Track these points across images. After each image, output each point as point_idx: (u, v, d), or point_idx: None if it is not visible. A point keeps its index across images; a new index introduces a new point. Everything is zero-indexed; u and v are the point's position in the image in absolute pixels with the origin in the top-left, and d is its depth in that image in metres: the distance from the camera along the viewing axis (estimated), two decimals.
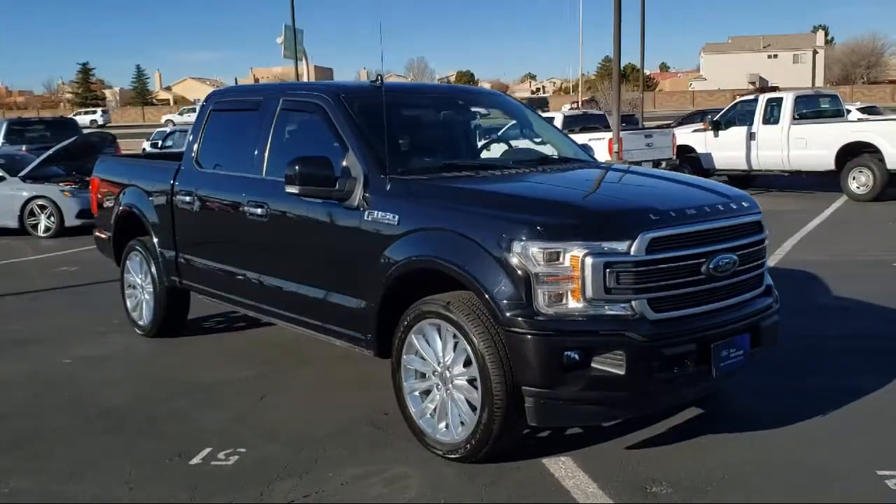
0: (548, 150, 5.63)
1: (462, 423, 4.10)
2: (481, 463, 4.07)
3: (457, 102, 5.79)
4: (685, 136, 18.19)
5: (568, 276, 3.74)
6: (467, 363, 4.03)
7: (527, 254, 3.77)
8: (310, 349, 6.35)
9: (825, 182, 16.41)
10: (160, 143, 20.42)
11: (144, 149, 21.17)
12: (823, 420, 4.62)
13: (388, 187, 4.51)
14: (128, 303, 7.06)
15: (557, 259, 3.75)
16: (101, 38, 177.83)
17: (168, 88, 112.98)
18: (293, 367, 5.94)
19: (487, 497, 3.81)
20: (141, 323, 6.89)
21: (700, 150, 17.81)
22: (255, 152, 5.44)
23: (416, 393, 4.36)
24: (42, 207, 13.72)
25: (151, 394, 5.46)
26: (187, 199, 6.02)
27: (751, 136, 16.79)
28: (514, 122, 5.91)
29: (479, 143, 5.77)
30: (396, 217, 4.35)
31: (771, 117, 16.56)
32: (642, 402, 4.11)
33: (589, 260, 3.71)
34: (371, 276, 4.47)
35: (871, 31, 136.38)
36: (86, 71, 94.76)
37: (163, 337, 6.78)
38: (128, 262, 6.96)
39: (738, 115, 17.42)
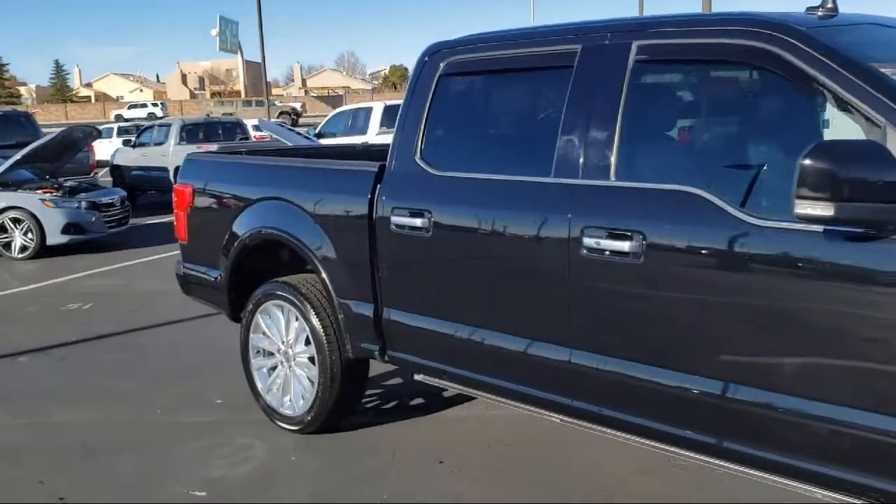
0: None
1: None
2: None
3: None
4: None
5: None
6: None
7: None
8: (553, 451, 4.02)
9: None
10: (133, 139, 17.45)
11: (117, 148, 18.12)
12: None
13: None
14: (257, 379, 4.57)
15: None
16: (12, 34, 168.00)
17: (88, 85, 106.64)
18: (567, 486, 3.61)
19: None
20: (288, 412, 4.41)
21: None
22: (584, 143, 3.09)
23: None
24: (16, 221, 10.80)
25: None
26: (416, 221, 3.58)
27: None
28: None
29: None
30: None
31: None
32: None
33: None
34: None
35: None
36: None
37: (323, 432, 4.36)
38: (259, 316, 4.47)
39: None
